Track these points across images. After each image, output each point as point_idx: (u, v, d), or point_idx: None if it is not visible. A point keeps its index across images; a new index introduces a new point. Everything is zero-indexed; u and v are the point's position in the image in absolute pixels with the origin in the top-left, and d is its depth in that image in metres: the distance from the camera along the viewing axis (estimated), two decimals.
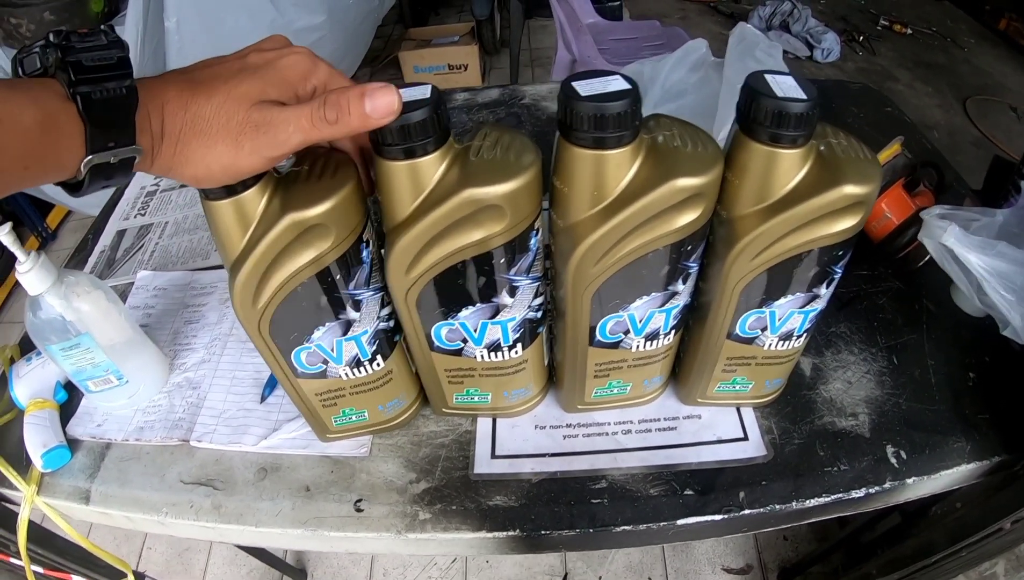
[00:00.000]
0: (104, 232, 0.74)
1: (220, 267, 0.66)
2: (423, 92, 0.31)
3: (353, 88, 0.29)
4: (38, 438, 0.49)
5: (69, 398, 0.54)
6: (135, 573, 0.64)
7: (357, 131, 0.29)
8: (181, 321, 0.61)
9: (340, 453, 0.47)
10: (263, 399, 0.52)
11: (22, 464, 0.49)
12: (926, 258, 0.55)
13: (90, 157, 0.25)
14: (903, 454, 0.46)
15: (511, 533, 0.42)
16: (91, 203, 0.82)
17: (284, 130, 0.28)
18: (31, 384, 0.53)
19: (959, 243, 0.45)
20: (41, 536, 0.54)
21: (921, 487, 0.46)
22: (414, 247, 0.33)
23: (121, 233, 0.74)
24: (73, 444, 0.51)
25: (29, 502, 0.48)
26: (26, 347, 0.58)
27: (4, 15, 1.48)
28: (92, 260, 0.70)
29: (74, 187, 0.27)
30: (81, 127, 0.25)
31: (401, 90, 0.32)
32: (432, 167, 0.32)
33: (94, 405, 0.54)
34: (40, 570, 0.57)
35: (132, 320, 0.52)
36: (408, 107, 0.30)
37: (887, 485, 0.44)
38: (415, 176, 0.32)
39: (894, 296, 0.57)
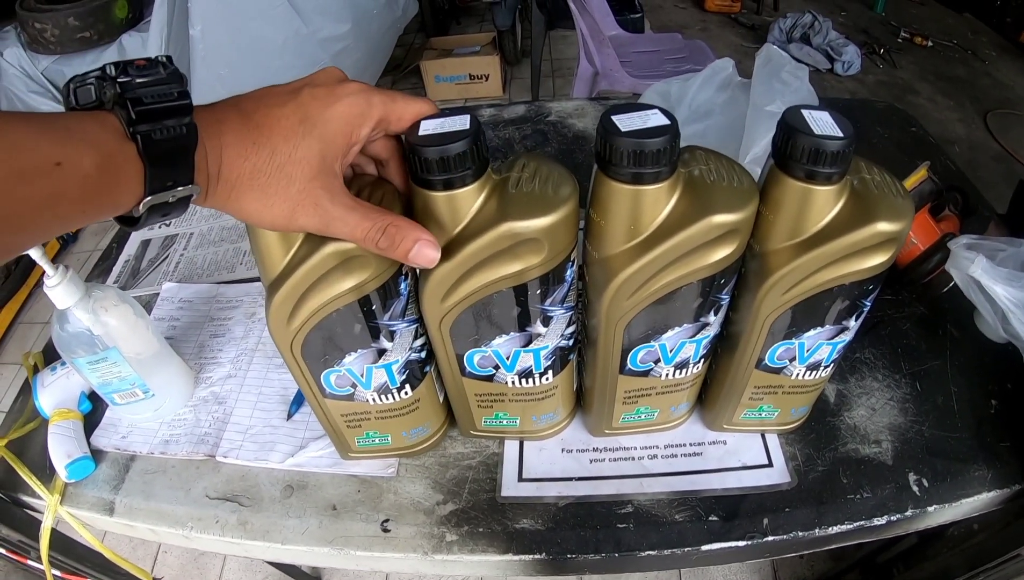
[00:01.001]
0: (129, 241, 0.75)
1: (246, 281, 0.67)
2: (463, 122, 0.31)
3: (411, 230, 0.31)
4: (62, 448, 0.50)
5: (93, 408, 0.54)
6: None
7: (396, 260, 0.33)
8: (207, 334, 0.62)
9: (367, 473, 0.48)
10: (290, 416, 0.53)
11: (46, 473, 0.50)
12: (951, 284, 0.55)
13: (149, 198, 0.25)
14: (925, 482, 0.46)
15: (537, 556, 0.43)
16: None
17: (338, 229, 0.31)
18: (56, 394, 0.53)
19: (986, 275, 0.45)
20: (62, 543, 0.54)
21: (942, 515, 0.46)
22: (450, 278, 0.34)
23: (146, 243, 0.75)
24: (97, 455, 0.51)
25: (52, 511, 0.48)
26: (50, 355, 0.59)
27: (28, 20, 1.51)
28: (116, 269, 0.71)
29: (130, 221, 0.27)
30: (140, 168, 0.25)
31: (440, 120, 0.32)
32: (470, 198, 0.32)
33: (119, 416, 0.54)
34: (59, 574, 0.58)
35: (158, 334, 0.52)
36: (447, 138, 0.30)
37: (908, 513, 0.44)
38: (453, 207, 0.32)
39: (918, 321, 0.57)
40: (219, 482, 0.49)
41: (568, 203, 0.32)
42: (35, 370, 0.57)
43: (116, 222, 0.28)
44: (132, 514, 0.48)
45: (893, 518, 0.44)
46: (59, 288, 0.45)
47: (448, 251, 0.33)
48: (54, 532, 0.51)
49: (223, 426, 0.53)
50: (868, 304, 0.38)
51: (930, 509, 0.45)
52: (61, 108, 0.26)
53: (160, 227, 0.77)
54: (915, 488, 0.45)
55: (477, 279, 0.34)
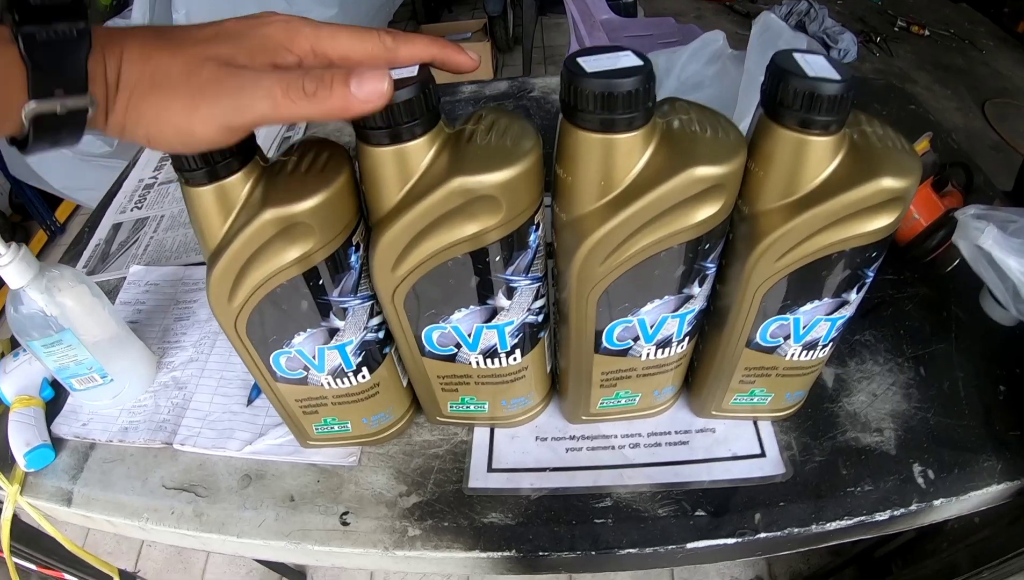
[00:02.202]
0: (100, 225, 0.72)
1: None
2: (410, 70, 0.28)
3: (342, 68, 0.26)
4: (21, 436, 0.48)
5: (56, 396, 0.52)
6: (122, 573, 0.62)
7: (337, 115, 0.26)
8: (171, 318, 0.59)
9: (327, 462, 0.45)
10: (250, 402, 0.50)
11: (7, 462, 0.47)
12: (955, 262, 0.52)
13: (33, 104, 0.23)
14: (930, 473, 0.42)
15: (507, 553, 0.39)
16: (98, 197, 0.81)
17: (251, 94, 0.25)
18: (17, 380, 0.51)
19: (997, 245, 0.42)
20: (30, 535, 0.53)
21: (949, 509, 0.43)
22: (400, 242, 0.31)
23: (117, 226, 0.72)
24: (58, 443, 0.49)
25: (12, 501, 0.46)
26: (17, 342, 0.57)
27: None
28: (87, 254, 0.68)
29: (21, 144, 0.24)
30: (23, 70, 0.23)
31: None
32: (420, 153, 0.29)
33: (80, 403, 0.52)
34: (34, 567, 0.56)
35: (118, 317, 0.50)
36: (394, 86, 0.27)
37: (913, 507, 0.41)
38: (401, 163, 0.29)
39: (921, 302, 0.53)
40: (177, 471, 0.46)
41: (528, 157, 0.29)
42: (1, 357, 0.55)
43: (8, 144, 0.25)
44: (89, 505, 0.46)
45: (897, 513, 0.41)
46: (11, 266, 0.43)
47: (396, 213, 0.30)
48: (24, 525, 0.49)
49: (182, 412, 0.50)
50: (871, 274, 0.34)
51: (936, 503, 0.41)
52: None
53: (132, 210, 0.75)
54: (920, 480, 0.42)
55: (430, 243, 0.30)
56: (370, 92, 0.25)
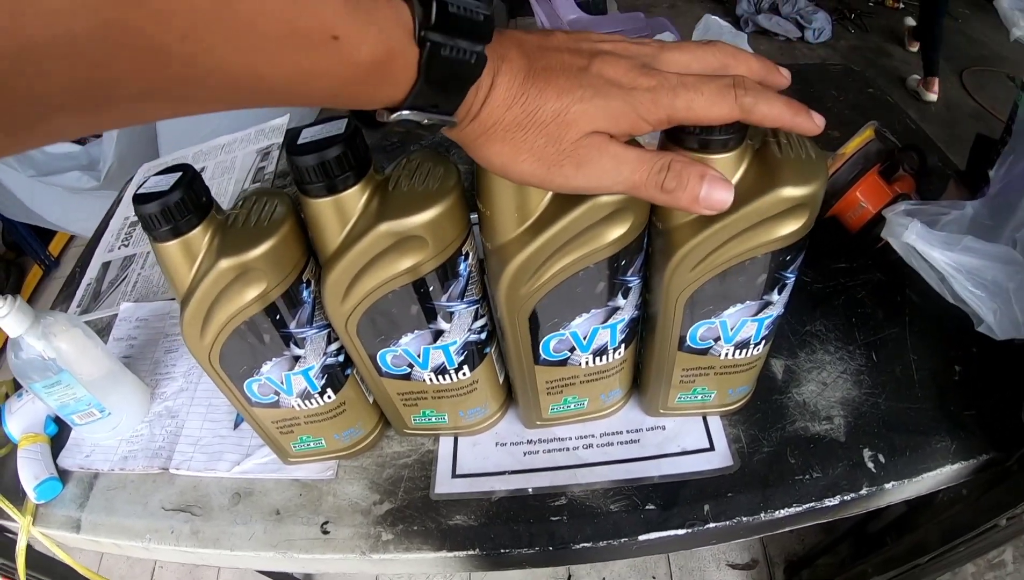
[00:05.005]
0: (90, 265, 0.75)
1: None
2: (338, 128, 0.31)
3: (695, 165, 0.26)
4: (31, 471, 0.51)
5: (59, 431, 0.55)
6: None
7: (681, 209, 0.27)
8: (161, 350, 0.62)
9: (308, 476, 0.48)
10: (236, 425, 0.53)
11: (18, 496, 0.51)
12: None
13: (406, 113, 0.22)
14: (881, 457, 0.44)
15: (471, 552, 0.42)
16: (91, 228, 0.83)
17: (608, 181, 0.26)
18: (23, 419, 0.54)
19: (921, 240, 0.43)
20: (43, 562, 0.56)
21: (902, 491, 0.44)
22: (344, 279, 0.34)
23: (106, 265, 0.75)
24: (64, 475, 0.52)
25: (25, 532, 0.50)
26: (20, 384, 0.60)
27: None
28: (79, 293, 0.71)
29: (369, 121, 0.24)
30: (413, 78, 0.22)
31: (317, 127, 0.32)
32: (354, 200, 0.32)
33: (82, 437, 0.55)
34: None
35: (111, 354, 0.53)
36: (324, 144, 0.30)
37: (864, 491, 0.43)
38: (338, 210, 0.32)
39: (874, 289, 0.55)
40: (174, 494, 0.50)
41: (448, 197, 0.31)
42: (6, 398, 0.59)
43: (351, 115, 0.25)
44: (96, 530, 0.49)
45: (847, 498, 0.43)
46: (9, 317, 0.46)
47: (339, 253, 0.33)
48: (36, 553, 0.52)
49: (176, 439, 0.54)
50: (791, 276, 0.37)
51: (888, 486, 0.43)
52: None
53: (120, 248, 0.78)
54: (870, 465, 0.44)
55: (370, 278, 0.33)
56: (716, 202, 0.26)
